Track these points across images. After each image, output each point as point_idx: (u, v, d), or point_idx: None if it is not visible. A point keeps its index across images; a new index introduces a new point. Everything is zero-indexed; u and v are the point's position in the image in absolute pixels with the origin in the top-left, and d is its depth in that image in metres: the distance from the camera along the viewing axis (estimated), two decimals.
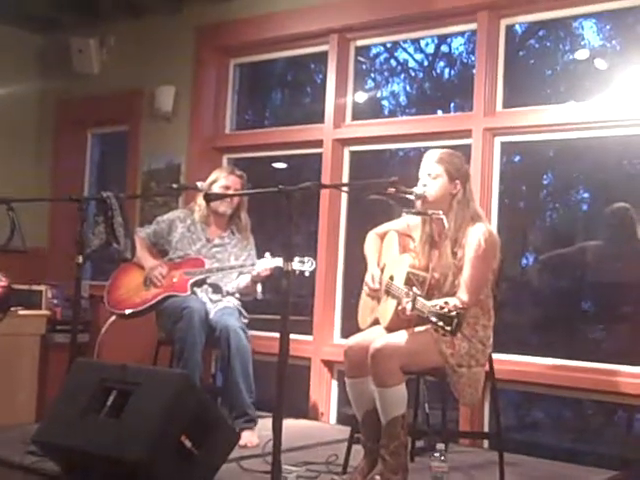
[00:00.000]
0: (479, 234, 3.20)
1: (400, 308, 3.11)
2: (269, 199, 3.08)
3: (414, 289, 3.07)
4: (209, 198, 4.07)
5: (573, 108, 4.30)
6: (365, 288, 3.51)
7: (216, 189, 4.37)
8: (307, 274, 4.18)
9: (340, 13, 4.96)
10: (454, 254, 3.24)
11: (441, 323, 2.83)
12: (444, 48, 5.63)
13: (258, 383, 4.14)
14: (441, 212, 3.28)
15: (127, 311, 4.29)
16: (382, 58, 5.83)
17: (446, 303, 2.87)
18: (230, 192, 4.38)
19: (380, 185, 3.27)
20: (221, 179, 4.43)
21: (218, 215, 4.46)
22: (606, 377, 3.94)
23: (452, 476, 3.18)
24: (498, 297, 3.41)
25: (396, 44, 5.52)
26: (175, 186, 4.61)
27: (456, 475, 3.39)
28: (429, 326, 3.08)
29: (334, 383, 4.92)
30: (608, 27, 4.73)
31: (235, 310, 4.29)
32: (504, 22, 4.53)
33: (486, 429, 4.27)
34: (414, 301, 2.99)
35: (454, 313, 2.81)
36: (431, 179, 3.31)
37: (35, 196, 5.78)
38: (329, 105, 5.07)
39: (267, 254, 4.27)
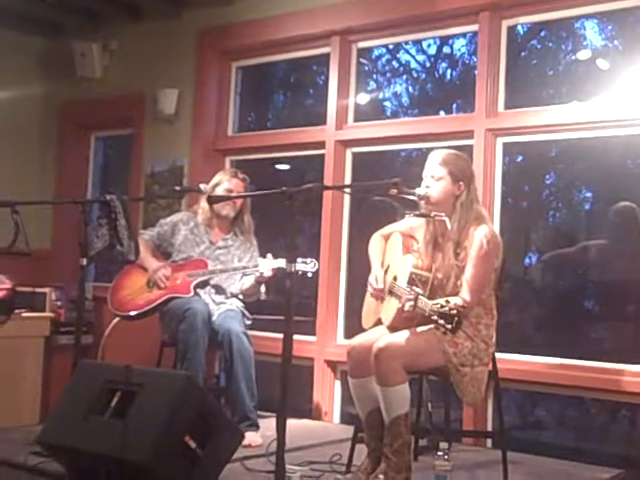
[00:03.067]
0: (481, 235, 3.21)
1: (401, 306, 3.12)
2: (272, 200, 3.09)
3: (415, 288, 3.09)
4: (212, 201, 4.09)
5: (575, 108, 4.30)
6: (369, 288, 3.52)
7: (219, 192, 4.38)
8: (310, 275, 4.20)
9: (342, 15, 4.97)
10: (457, 255, 3.25)
11: (442, 321, 2.85)
12: (446, 49, 5.64)
13: (262, 384, 4.16)
14: (444, 214, 3.29)
15: (131, 313, 4.31)
16: (384, 59, 5.84)
17: (447, 302, 2.89)
18: (233, 194, 4.40)
19: (382, 186, 3.28)
20: (224, 182, 4.44)
21: (221, 218, 4.48)
22: (609, 376, 3.94)
23: (455, 475, 3.18)
24: (500, 296, 3.42)
25: (398, 45, 5.54)
26: (178, 189, 4.63)
27: (459, 474, 3.40)
28: (432, 326, 3.10)
29: (337, 383, 4.93)
30: (610, 27, 4.74)
31: (238, 313, 4.31)
32: (505, 23, 4.53)
33: (489, 428, 4.27)
34: (416, 300, 3.01)
35: (455, 311, 2.83)
36: (434, 181, 3.32)
37: (39, 199, 5.81)
38: (331, 107, 5.07)
39: (269, 255, 4.29)
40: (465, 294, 3.15)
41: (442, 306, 2.87)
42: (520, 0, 4.39)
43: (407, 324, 3.21)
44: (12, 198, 3.80)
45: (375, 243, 3.65)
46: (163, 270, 4.36)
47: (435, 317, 2.87)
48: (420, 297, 3.01)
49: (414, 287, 3.11)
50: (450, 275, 3.26)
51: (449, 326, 2.83)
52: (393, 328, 3.27)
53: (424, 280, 3.25)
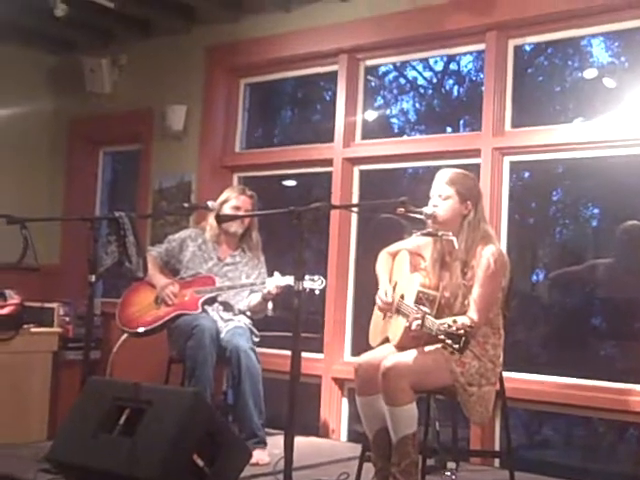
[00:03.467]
0: (489, 255, 3.22)
1: (408, 325, 3.13)
2: (279, 216, 3.12)
3: (423, 307, 3.10)
4: (221, 219, 4.11)
5: (582, 128, 4.32)
6: (378, 301, 3.51)
7: (227, 209, 4.39)
8: (317, 292, 4.21)
9: (350, 34, 5.00)
10: (464, 274, 3.26)
11: (449, 341, 2.85)
12: (453, 66, 5.66)
13: (269, 401, 4.16)
14: (451, 233, 3.30)
15: (139, 329, 4.31)
16: (391, 76, 5.87)
17: (454, 321, 2.89)
18: (241, 213, 4.41)
19: (390, 205, 3.30)
20: (232, 199, 4.45)
21: (229, 235, 4.49)
22: (617, 396, 3.93)
23: None
24: (508, 316, 3.43)
25: (405, 62, 5.55)
26: (186, 205, 4.66)
27: None
28: (439, 345, 3.10)
29: (345, 401, 4.92)
30: (616, 44, 4.75)
31: (246, 330, 4.32)
32: (512, 42, 4.55)
33: (497, 447, 4.26)
34: (423, 319, 3.01)
35: (462, 331, 2.83)
36: (442, 200, 3.33)
37: (48, 213, 5.84)
38: (339, 125, 5.09)
39: (276, 273, 4.30)
40: (473, 314, 3.15)
41: (449, 326, 2.87)
42: (527, 20, 4.41)
43: (415, 343, 3.22)
44: (21, 213, 3.84)
45: (382, 261, 3.66)
46: (171, 287, 4.38)
47: (442, 337, 2.87)
48: (427, 316, 3.02)
49: (421, 306, 3.12)
50: (457, 294, 3.26)
51: (456, 346, 2.84)
52: (401, 347, 3.28)
53: (431, 299, 3.26)
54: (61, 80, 6.40)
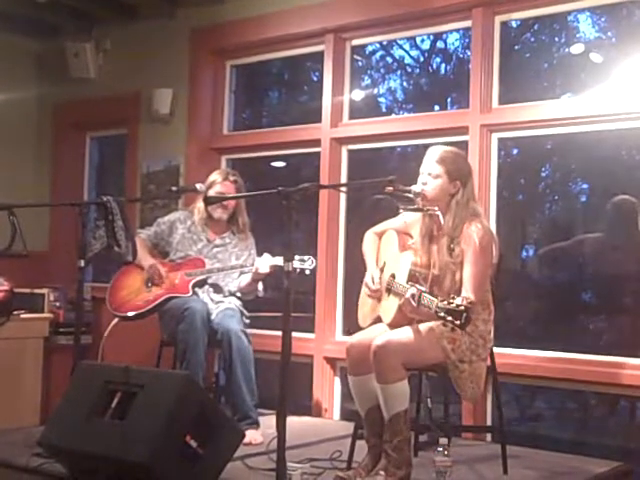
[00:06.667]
0: (475, 233, 3.21)
1: (403, 304, 3.13)
2: (268, 197, 3.12)
3: (418, 285, 3.09)
4: (208, 202, 4.09)
5: (569, 103, 4.32)
6: (365, 289, 3.52)
7: (211, 194, 4.36)
8: (307, 272, 4.21)
9: (335, 13, 4.97)
10: (451, 250, 3.26)
11: (450, 318, 2.82)
12: (440, 44, 5.63)
13: (261, 381, 4.17)
14: (436, 208, 3.30)
15: (130, 313, 4.31)
16: (378, 55, 5.84)
17: (453, 298, 2.88)
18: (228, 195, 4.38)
19: (378, 184, 3.29)
20: (216, 185, 4.41)
21: (215, 220, 4.48)
22: (607, 369, 3.95)
23: (456, 470, 3.19)
24: (497, 292, 3.43)
25: (391, 41, 5.53)
26: (174, 189, 4.63)
27: (460, 468, 3.41)
28: (431, 323, 3.11)
29: (337, 379, 4.94)
30: (603, 19, 4.74)
31: (237, 312, 4.32)
32: (498, 19, 4.53)
33: (489, 422, 4.29)
34: (420, 297, 3.01)
35: (463, 307, 2.82)
36: (431, 178, 3.31)
37: (35, 200, 5.82)
38: (326, 105, 5.08)
39: (266, 254, 4.30)
40: (468, 293, 3.13)
41: (449, 302, 2.85)
42: None
43: (408, 322, 3.22)
44: (8, 200, 3.83)
45: (369, 241, 3.65)
46: (158, 266, 4.37)
47: (442, 314, 2.85)
48: (424, 294, 3.02)
49: (416, 284, 3.12)
50: (446, 271, 3.26)
51: (458, 322, 2.81)
52: (394, 326, 3.28)
53: (424, 277, 3.26)
54: (45, 65, 6.36)
